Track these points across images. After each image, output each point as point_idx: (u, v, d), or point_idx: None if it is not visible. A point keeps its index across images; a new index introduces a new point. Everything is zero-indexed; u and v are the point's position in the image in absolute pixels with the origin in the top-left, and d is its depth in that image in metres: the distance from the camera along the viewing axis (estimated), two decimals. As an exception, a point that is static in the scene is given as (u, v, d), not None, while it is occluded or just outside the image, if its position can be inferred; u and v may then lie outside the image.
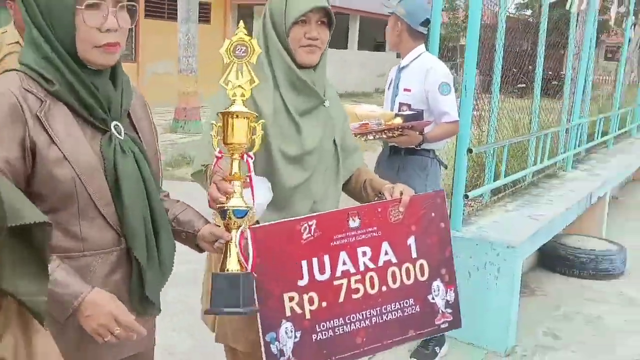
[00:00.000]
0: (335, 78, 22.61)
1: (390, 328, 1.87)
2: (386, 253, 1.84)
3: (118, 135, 1.52)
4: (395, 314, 1.88)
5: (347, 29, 22.81)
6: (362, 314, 1.84)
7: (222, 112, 1.61)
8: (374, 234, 1.83)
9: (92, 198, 1.47)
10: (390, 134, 3.18)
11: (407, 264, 1.88)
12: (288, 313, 1.74)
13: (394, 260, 1.85)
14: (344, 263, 1.79)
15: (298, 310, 1.76)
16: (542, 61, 5.42)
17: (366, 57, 23.13)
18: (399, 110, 3.38)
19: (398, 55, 3.87)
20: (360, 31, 23.62)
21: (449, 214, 2.69)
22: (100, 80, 1.46)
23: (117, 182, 1.49)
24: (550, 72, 6.90)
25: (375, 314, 1.86)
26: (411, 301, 1.90)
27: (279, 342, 1.74)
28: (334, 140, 2.02)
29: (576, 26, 6.17)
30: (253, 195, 1.61)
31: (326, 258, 1.76)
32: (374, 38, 27.03)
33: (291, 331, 1.76)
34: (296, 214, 1.86)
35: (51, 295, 1.32)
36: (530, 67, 7.14)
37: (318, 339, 1.78)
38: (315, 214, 1.81)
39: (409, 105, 3.38)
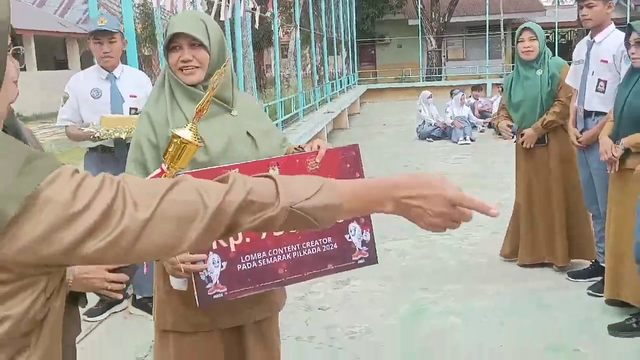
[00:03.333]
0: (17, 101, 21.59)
1: (310, 262, 2.03)
2: None
3: None
4: (314, 250, 2.04)
5: (22, 50, 21.82)
6: (283, 249, 2.01)
7: (175, 133, 1.70)
8: None
9: None
10: None
11: None
12: (214, 246, 1.92)
13: None
14: None
15: (224, 244, 1.94)
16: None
17: (48, 76, 22.39)
18: None
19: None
20: (38, 51, 22.78)
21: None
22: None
23: None
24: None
25: (295, 249, 2.01)
26: (329, 239, 2.05)
27: (207, 270, 1.94)
28: (253, 138, 2.18)
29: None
30: None
31: None
32: (53, 57, 26.15)
33: (218, 261, 1.94)
34: None
35: None
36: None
37: (242, 268, 1.97)
38: (237, 163, 1.96)
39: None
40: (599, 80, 4.13)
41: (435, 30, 26.63)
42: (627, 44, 3.64)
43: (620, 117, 3.65)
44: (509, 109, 4.76)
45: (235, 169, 1.87)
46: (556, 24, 25.03)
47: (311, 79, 14.68)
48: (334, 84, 17.72)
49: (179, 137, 1.68)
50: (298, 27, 12.50)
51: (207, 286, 1.94)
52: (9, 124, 1.29)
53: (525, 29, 4.61)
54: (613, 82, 4.00)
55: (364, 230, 2.10)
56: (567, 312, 3.97)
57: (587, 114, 4.21)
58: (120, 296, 1.82)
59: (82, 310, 2.12)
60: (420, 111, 12.60)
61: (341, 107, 14.92)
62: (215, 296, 1.97)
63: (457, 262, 5.10)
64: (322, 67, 16.48)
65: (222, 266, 1.95)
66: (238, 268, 1.96)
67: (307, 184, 1.13)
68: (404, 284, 4.66)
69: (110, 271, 1.76)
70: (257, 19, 7.89)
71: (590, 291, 4.20)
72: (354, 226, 2.08)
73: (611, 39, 4.11)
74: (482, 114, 13.76)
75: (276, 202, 1.10)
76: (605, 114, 4.02)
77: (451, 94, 13.43)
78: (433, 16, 26.79)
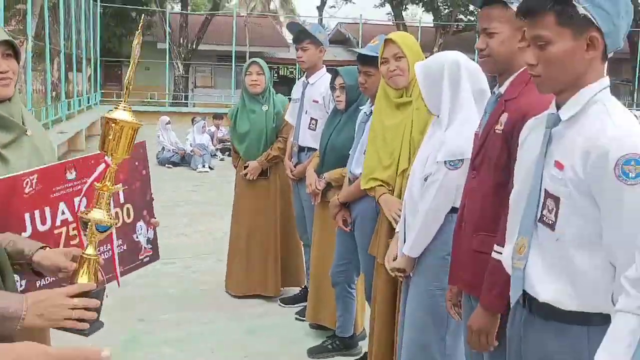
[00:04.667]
0: None
1: (104, 267, 1.95)
2: None
3: None
4: (107, 254, 2.01)
5: None
6: None
7: (110, 117, 1.53)
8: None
9: None
10: None
11: (116, 209, 2.01)
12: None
13: None
14: (63, 213, 1.88)
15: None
16: None
17: None
18: None
19: None
20: None
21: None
22: None
23: None
24: None
25: None
26: (120, 242, 2.05)
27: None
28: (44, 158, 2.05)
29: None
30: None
31: (47, 210, 1.84)
32: None
33: (18, 280, 1.79)
34: None
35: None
36: None
37: (44, 283, 1.88)
38: (37, 168, 1.86)
39: None
40: (311, 118, 4.47)
41: (183, 56, 26.68)
42: (333, 88, 3.98)
43: (325, 153, 3.97)
44: (233, 139, 4.92)
45: (34, 175, 1.82)
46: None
47: (45, 97, 13.70)
48: (72, 103, 16.77)
49: (115, 120, 1.51)
50: (30, 39, 11.62)
51: None
52: None
53: (253, 62, 4.83)
54: (323, 121, 4.35)
55: (149, 228, 2.13)
56: (275, 336, 4.18)
57: (301, 149, 4.52)
58: (87, 326, 1.46)
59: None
60: (159, 137, 12.49)
61: (78, 127, 14.15)
62: None
63: (179, 290, 5.09)
64: (59, 84, 15.49)
65: (21, 285, 1.84)
66: (39, 284, 1.88)
67: None
68: (121, 315, 4.50)
69: (73, 296, 1.44)
70: None
71: (297, 316, 4.47)
72: (140, 225, 2.11)
73: (322, 81, 4.47)
74: (223, 143, 14.06)
75: None
76: (316, 149, 4.34)
77: (192, 122, 13.53)
78: (182, 42, 26.84)
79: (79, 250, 1.64)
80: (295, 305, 4.65)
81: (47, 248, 1.67)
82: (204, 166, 11.92)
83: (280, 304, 4.75)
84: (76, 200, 1.93)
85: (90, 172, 1.95)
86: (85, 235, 1.63)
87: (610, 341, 1.34)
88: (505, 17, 2.07)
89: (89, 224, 1.58)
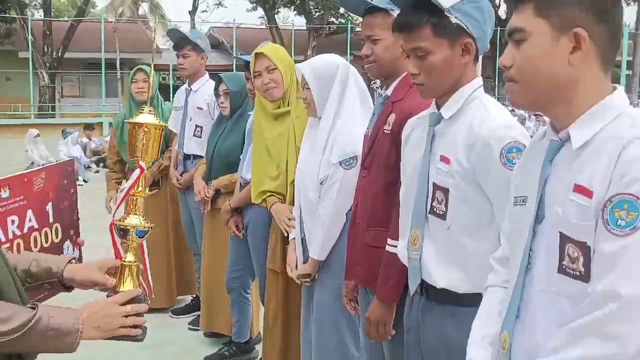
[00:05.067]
0: None
1: (32, 290, 1.95)
2: (30, 220, 1.96)
3: None
4: None
5: None
6: None
7: (135, 122, 1.59)
8: (21, 202, 1.93)
9: None
10: None
11: (45, 229, 2.01)
12: None
13: (36, 226, 1.97)
14: None
15: None
16: None
17: None
18: None
19: None
20: None
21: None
22: None
23: None
24: None
25: None
26: None
27: None
28: None
29: None
30: None
31: None
32: None
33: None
34: None
35: (54, 330, 1.37)
36: None
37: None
38: None
39: None
40: (196, 125, 4.43)
41: (48, 65, 25.39)
42: (217, 94, 3.97)
43: (212, 160, 3.96)
44: (120, 150, 4.75)
45: None
46: (171, 66, 26.11)
47: None
48: None
49: (140, 124, 1.60)
50: None
51: None
52: None
53: (139, 70, 4.69)
54: (208, 128, 4.32)
55: (75, 248, 2.16)
56: (168, 349, 4.10)
57: (187, 157, 4.47)
58: (140, 331, 1.55)
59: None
60: (27, 151, 11.87)
61: None
62: None
63: (63, 310, 4.87)
64: None
65: None
66: None
67: None
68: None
69: (122, 304, 1.53)
70: None
71: (190, 326, 4.42)
72: (67, 244, 2.13)
73: (206, 87, 4.45)
74: (97, 154, 13.56)
75: None
76: (202, 157, 4.31)
77: (63, 133, 12.95)
78: (46, 50, 25.54)
79: (114, 261, 1.71)
80: (187, 316, 4.59)
81: (73, 261, 1.72)
82: (77, 179, 11.44)
83: (172, 315, 4.67)
84: (9, 219, 1.96)
85: (24, 190, 2.00)
86: (121, 243, 1.71)
87: (484, 312, 1.50)
88: (387, 24, 2.17)
89: (130, 230, 1.64)
